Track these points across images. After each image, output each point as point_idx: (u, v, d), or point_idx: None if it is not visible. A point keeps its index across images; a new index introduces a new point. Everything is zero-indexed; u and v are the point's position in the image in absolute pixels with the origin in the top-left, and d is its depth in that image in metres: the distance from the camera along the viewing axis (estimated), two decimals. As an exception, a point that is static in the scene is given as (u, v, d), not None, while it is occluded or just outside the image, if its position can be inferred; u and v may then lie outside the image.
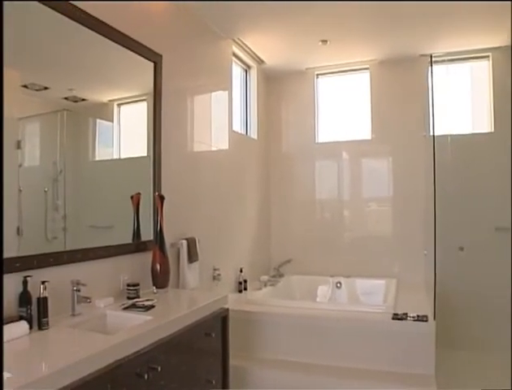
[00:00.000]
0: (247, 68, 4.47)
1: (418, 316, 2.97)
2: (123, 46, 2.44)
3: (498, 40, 3.93)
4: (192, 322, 2.11)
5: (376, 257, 4.37)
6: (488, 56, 4.24)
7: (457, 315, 3.96)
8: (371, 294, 4.08)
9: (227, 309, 2.47)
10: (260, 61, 4.42)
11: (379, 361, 2.94)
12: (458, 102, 4.40)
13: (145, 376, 1.68)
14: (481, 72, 4.33)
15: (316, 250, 4.56)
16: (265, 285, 3.95)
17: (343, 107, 4.73)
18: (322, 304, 3.87)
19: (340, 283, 4.21)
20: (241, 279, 3.82)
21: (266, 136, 4.75)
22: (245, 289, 3.82)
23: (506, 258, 3.87)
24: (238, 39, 3.90)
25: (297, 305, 3.44)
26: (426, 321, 2.91)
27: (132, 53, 2.52)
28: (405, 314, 3.01)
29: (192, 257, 2.95)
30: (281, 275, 4.33)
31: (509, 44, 3.94)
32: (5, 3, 1.52)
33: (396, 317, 2.99)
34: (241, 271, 3.84)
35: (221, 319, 2.43)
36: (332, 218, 4.64)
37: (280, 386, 2.93)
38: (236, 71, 4.26)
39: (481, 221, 4.04)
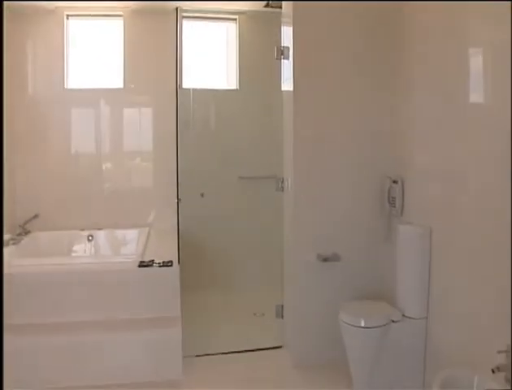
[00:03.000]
0: (-19, -3, 3.82)
1: (163, 262, 3.10)
2: None
3: (246, 4, 4.19)
4: None
5: (134, 208, 4.37)
6: (235, 19, 4.52)
7: (200, 258, 4.30)
8: (126, 244, 4.10)
9: None
10: (-4, -10, 3.82)
11: (131, 309, 3.02)
12: (213, 59, 4.62)
13: None
14: (232, 34, 4.59)
15: (69, 204, 4.27)
16: (7, 244, 3.59)
17: (98, 54, 4.46)
18: (66, 258, 3.70)
19: (92, 237, 4.09)
20: (-24, 240, 3.39)
21: (8, 78, 4.17)
22: (-19, 251, 3.41)
23: (247, 204, 4.36)
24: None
25: (37, 263, 3.21)
26: (171, 266, 3.07)
27: None
28: (152, 260, 3.12)
29: None
30: (27, 233, 3.98)
31: (253, 9, 4.25)
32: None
33: (142, 264, 3.07)
34: (-24, 231, 3.40)
35: None
36: (89, 170, 4.41)
37: (25, 351, 2.76)
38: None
39: (225, 170, 4.42)
